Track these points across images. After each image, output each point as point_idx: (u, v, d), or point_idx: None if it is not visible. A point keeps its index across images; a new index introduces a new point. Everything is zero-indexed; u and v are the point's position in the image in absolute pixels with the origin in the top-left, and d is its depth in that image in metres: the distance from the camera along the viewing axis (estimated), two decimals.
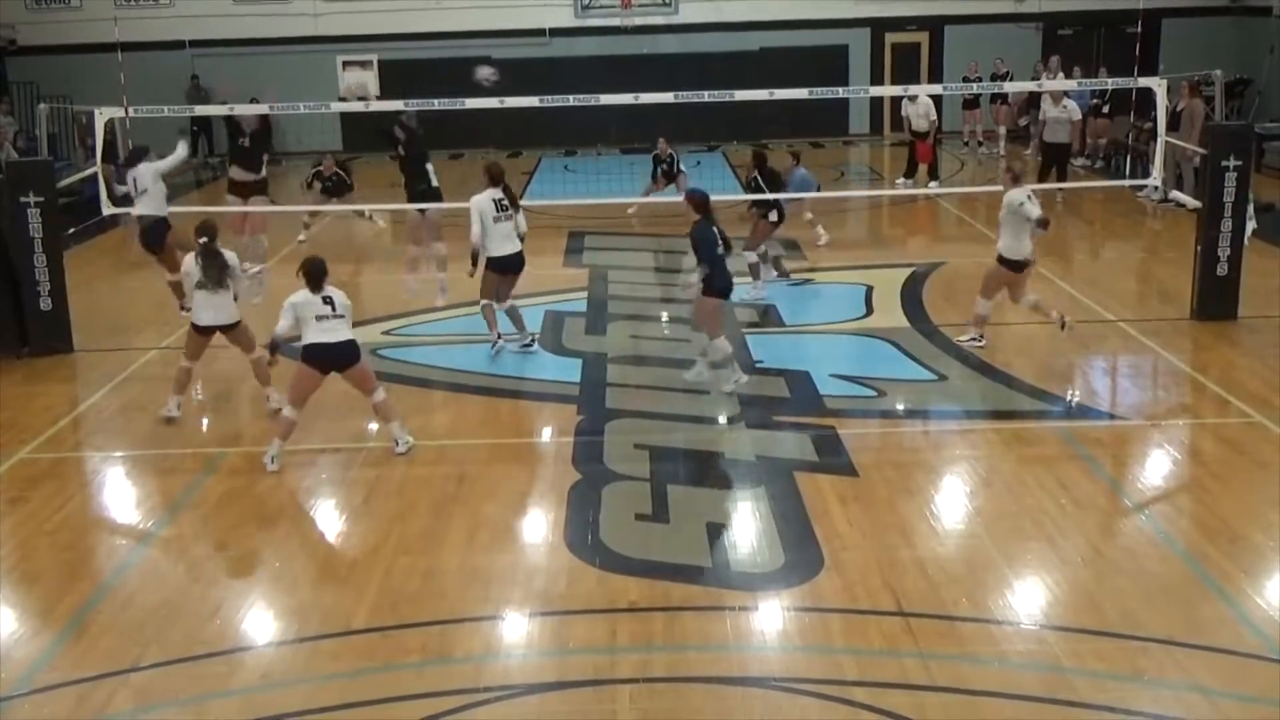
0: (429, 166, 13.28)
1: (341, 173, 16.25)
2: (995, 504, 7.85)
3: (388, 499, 8.14)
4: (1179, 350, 10.83)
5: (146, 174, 10.75)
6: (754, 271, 13.15)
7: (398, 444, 8.75)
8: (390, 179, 17.26)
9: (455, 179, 16.88)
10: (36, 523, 7.90)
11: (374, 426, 9.54)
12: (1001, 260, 10.76)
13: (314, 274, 8.51)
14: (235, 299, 9.56)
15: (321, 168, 16.56)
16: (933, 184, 19.25)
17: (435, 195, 13.20)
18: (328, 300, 8.44)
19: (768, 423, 9.41)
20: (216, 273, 9.23)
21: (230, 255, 9.47)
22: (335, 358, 8.53)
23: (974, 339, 11.00)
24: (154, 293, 13.83)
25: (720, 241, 9.75)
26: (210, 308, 9.37)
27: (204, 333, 9.51)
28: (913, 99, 19.39)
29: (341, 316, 8.47)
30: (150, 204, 12.15)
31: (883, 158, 24.15)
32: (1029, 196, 10.67)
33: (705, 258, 9.70)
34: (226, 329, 9.52)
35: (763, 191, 13.04)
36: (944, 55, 25.58)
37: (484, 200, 10.70)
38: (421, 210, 13.29)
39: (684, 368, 10.76)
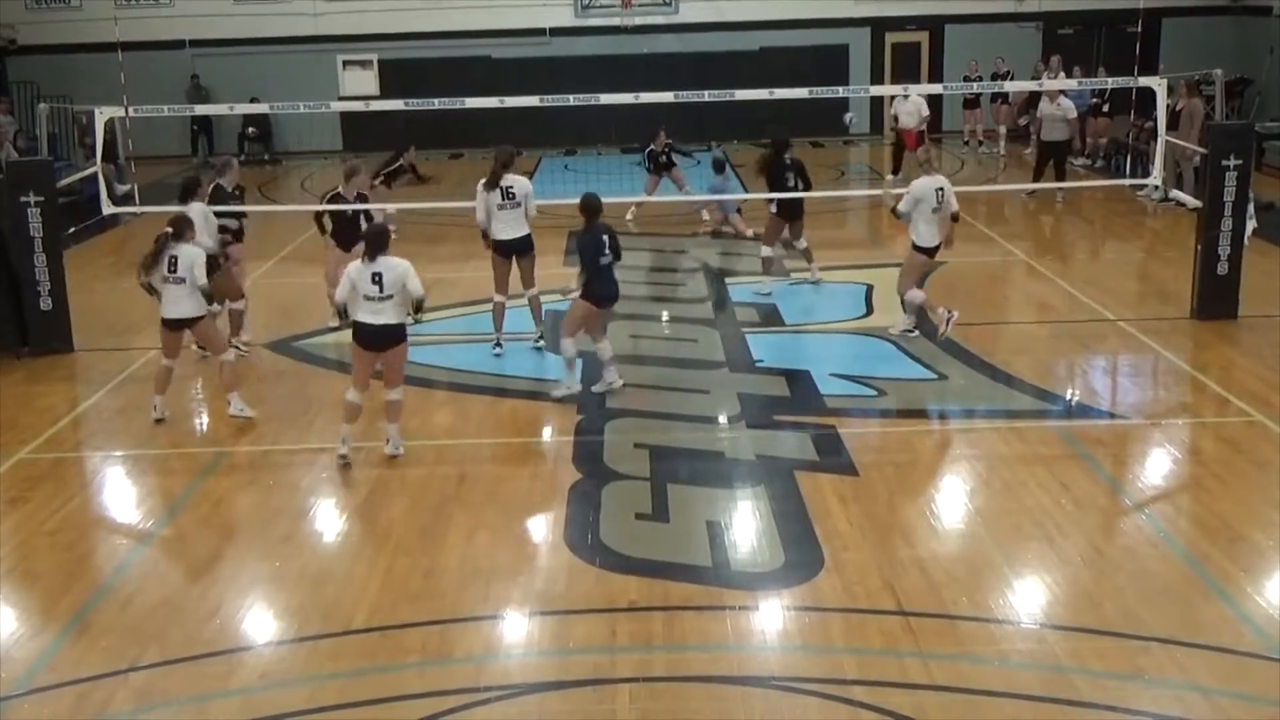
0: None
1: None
2: (995, 504, 7.85)
3: (388, 499, 8.14)
4: (1179, 350, 10.83)
5: (187, 259, 10.18)
6: (765, 266, 13.19)
7: (388, 443, 8.73)
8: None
9: (455, 179, 16.91)
10: (36, 523, 7.90)
11: (374, 427, 9.55)
12: (916, 248, 11.08)
13: (369, 241, 8.53)
14: (212, 300, 9.53)
15: (403, 161, 16.28)
16: (889, 177, 19.71)
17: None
18: (377, 278, 8.39)
19: (768, 422, 9.41)
20: (171, 265, 9.18)
21: (192, 250, 9.33)
22: (377, 338, 8.53)
23: (909, 330, 11.22)
24: None
25: (609, 250, 9.61)
26: (172, 301, 9.35)
27: (170, 327, 9.48)
28: (906, 97, 19.53)
29: (389, 297, 8.41)
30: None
31: (882, 158, 24.10)
32: (937, 193, 10.93)
33: (586, 264, 9.61)
34: (190, 323, 9.46)
35: (774, 181, 12.98)
36: (944, 55, 25.58)
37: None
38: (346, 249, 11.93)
39: (684, 368, 10.78)
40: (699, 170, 18.14)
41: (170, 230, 9.33)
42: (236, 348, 11.13)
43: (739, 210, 16.30)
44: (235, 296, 11.25)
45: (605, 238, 9.63)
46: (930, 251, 11.14)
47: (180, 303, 9.33)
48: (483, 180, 10.73)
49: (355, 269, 8.53)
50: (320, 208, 12.07)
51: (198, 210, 10.78)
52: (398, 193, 16.12)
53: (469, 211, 16.12)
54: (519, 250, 10.81)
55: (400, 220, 16.73)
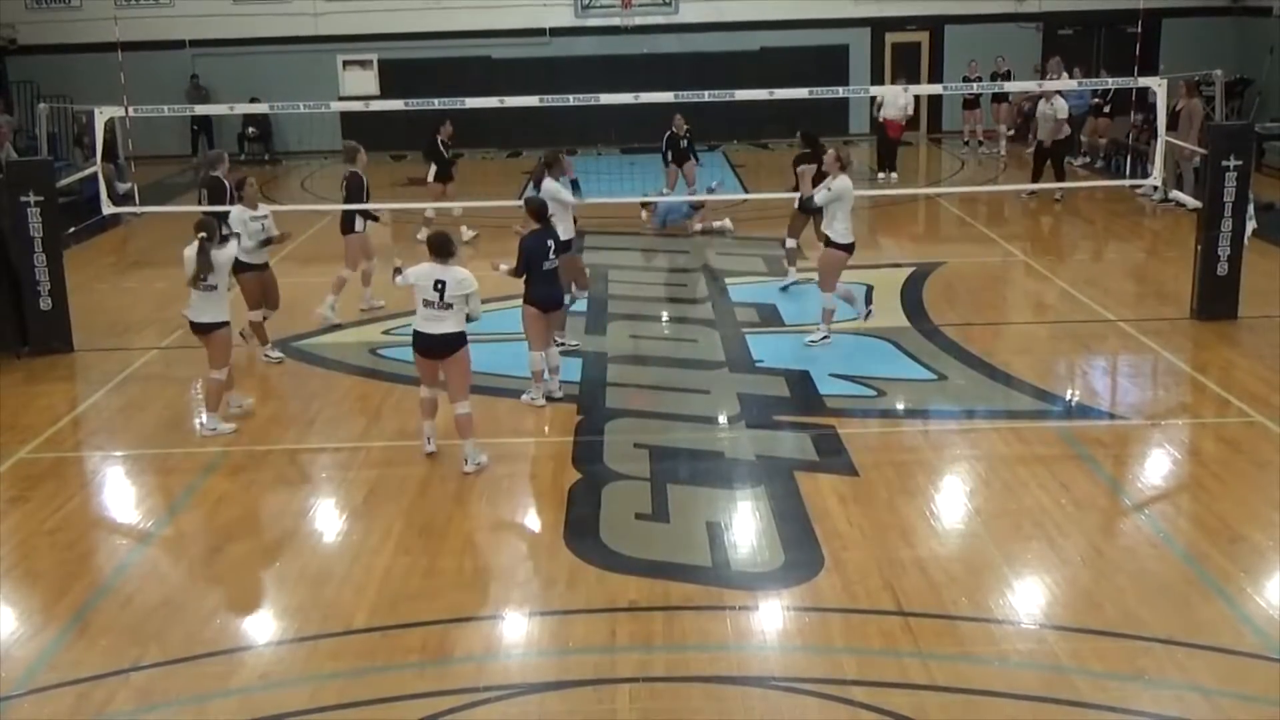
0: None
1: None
2: (995, 504, 7.85)
3: (388, 499, 8.14)
4: (1179, 350, 10.83)
5: (220, 266, 9.79)
6: (790, 258, 13.24)
7: (466, 462, 8.49)
8: (392, 179, 17.30)
9: (456, 179, 16.87)
10: (36, 522, 7.90)
11: (374, 426, 9.55)
12: (835, 245, 10.98)
13: (437, 247, 8.37)
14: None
15: (442, 136, 15.98)
16: (880, 175, 20.29)
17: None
18: (439, 286, 8.27)
19: (768, 422, 9.41)
20: (203, 271, 9.05)
21: (221, 256, 9.21)
22: (434, 348, 8.43)
23: (826, 337, 11.18)
24: (154, 293, 13.85)
25: (553, 254, 9.55)
26: (197, 308, 9.23)
27: (193, 330, 9.37)
28: (905, 89, 19.73)
29: (449, 306, 8.29)
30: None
31: None
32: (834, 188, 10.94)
33: (528, 268, 9.50)
34: (209, 328, 9.22)
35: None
36: (944, 55, 25.59)
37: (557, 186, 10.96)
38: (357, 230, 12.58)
39: (684, 368, 10.78)
40: (700, 170, 18.16)
41: (204, 235, 9.08)
42: (268, 356, 11.06)
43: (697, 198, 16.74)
44: (274, 305, 11.06)
45: (551, 242, 9.59)
46: (850, 248, 11.09)
47: (203, 311, 9.20)
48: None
49: (419, 272, 8.36)
50: (365, 207, 12.37)
51: (236, 214, 10.73)
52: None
53: (469, 211, 16.19)
54: (565, 249, 10.77)
55: (400, 220, 16.77)
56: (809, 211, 12.75)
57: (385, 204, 16.55)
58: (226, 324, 9.31)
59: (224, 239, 9.47)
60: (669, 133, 17.23)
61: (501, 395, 10.12)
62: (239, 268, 10.17)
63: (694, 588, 6.82)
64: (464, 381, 8.58)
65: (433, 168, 16.06)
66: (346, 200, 12.50)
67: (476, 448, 8.54)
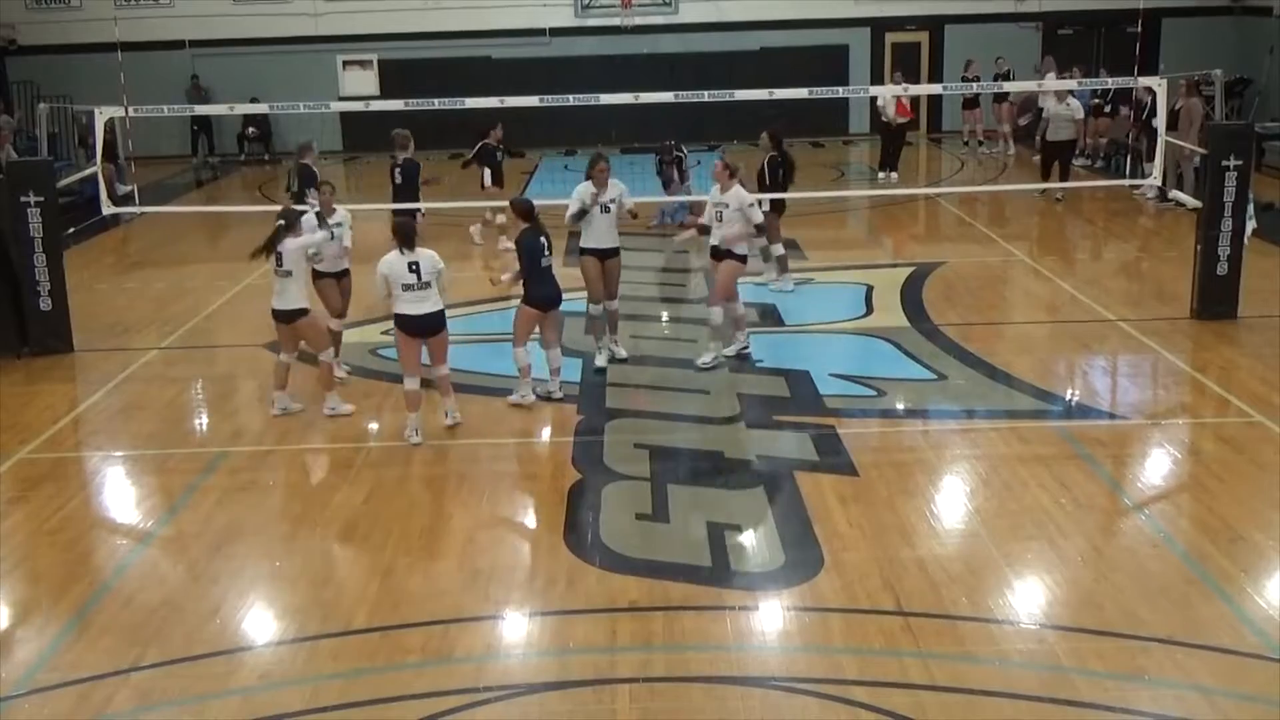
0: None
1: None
2: (995, 504, 7.85)
3: (388, 499, 8.14)
4: (1179, 350, 10.83)
5: (293, 252, 9.27)
6: (781, 265, 13.21)
7: (446, 416, 9.12)
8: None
9: (455, 179, 16.89)
10: (37, 522, 7.90)
11: (374, 426, 9.56)
12: (737, 256, 10.55)
13: (404, 233, 8.85)
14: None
15: (489, 140, 15.54)
16: (881, 174, 20.33)
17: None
18: (414, 267, 8.70)
19: (768, 422, 9.42)
20: (279, 260, 9.16)
21: (294, 243, 9.24)
22: (423, 327, 8.85)
23: (745, 347, 10.80)
24: (154, 293, 13.87)
25: (548, 251, 9.57)
26: (277, 293, 9.34)
27: (276, 318, 9.44)
28: (905, 89, 19.72)
29: (428, 285, 8.76)
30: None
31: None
32: (755, 201, 10.66)
33: (526, 268, 9.50)
34: (294, 315, 9.31)
35: (777, 175, 12.97)
36: (944, 55, 25.60)
37: (583, 188, 10.50)
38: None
39: (685, 368, 10.78)
40: (700, 170, 18.17)
41: (283, 222, 9.29)
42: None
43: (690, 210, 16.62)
44: (335, 313, 10.51)
45: (543, 239, 9.58)
46: (745, 259, 10.79)
47: (281, 298, 9.31)
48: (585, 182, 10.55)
49: (388, 262, 8.77)
50: (437, 204, 13.13)
51: (307, 222, 10.50)
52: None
53: (468, 212, 16.18)
54: (607, 256, 10.59)
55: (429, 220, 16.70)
56: (762, 230, 12.26)
57: (444, 202, 16.31)
58: (307, 310, 9.43)
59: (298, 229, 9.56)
60: (659, 159, 17.46)
61: (501, 395, 10.12)
62: (313, 274, 10.02)
63: (694, 588, 6.82)
64: (446, 350, 9.04)
65: (487, 171, 15.64)
66: (404, 186, 12.87)
67: (455, 407, 9.07)
